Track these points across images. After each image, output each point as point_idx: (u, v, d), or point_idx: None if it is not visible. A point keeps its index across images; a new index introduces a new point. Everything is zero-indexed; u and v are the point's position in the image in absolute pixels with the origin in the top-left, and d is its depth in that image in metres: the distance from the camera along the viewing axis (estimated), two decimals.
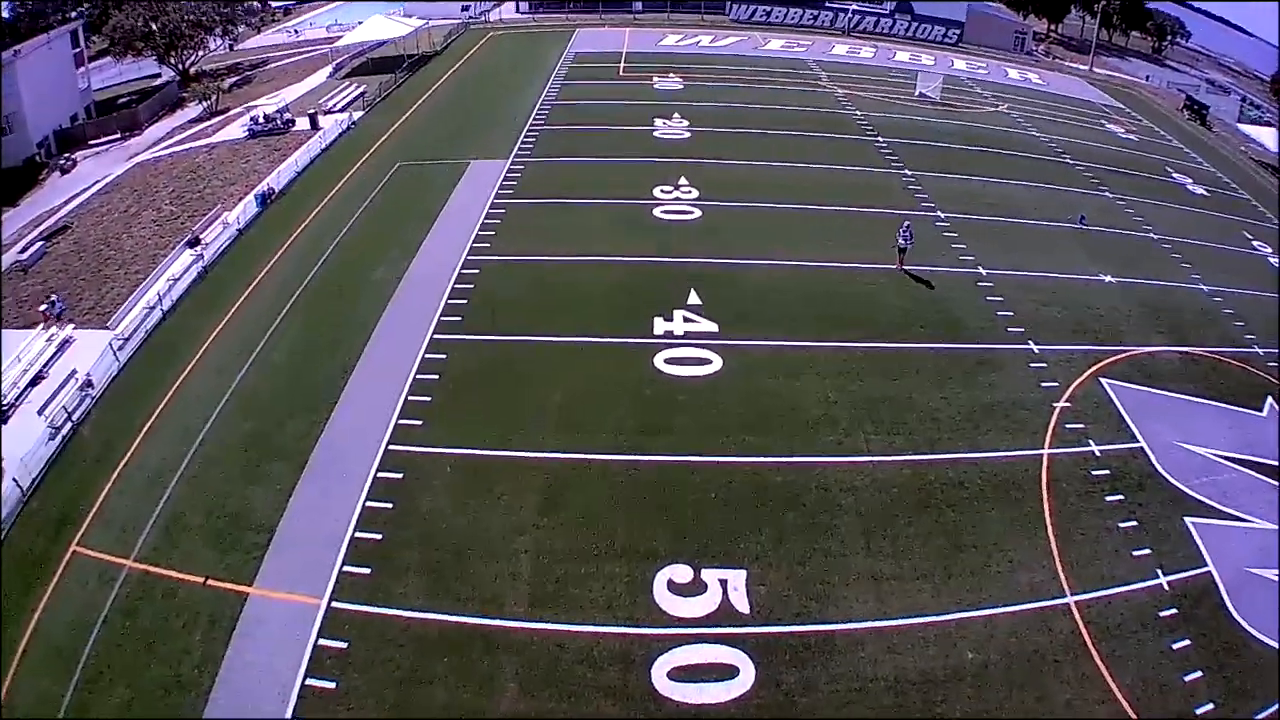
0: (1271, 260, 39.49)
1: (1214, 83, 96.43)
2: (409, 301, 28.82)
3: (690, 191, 36.96)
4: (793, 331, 27.54)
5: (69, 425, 23.72)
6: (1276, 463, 24.65)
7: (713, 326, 27.22)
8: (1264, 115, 77.00)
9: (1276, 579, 20.62)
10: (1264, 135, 64.48)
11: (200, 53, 67.90)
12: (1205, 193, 47.88)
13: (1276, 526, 22.20)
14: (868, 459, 22.49)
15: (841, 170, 41.81)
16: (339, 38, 69.86)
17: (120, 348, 26.99)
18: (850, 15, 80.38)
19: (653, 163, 40.47)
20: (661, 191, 36.82)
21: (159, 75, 68.43)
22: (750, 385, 24.91)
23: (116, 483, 21.76)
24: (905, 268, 31.22)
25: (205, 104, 56.33)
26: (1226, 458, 24.44)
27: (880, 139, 46.56)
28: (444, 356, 25.81)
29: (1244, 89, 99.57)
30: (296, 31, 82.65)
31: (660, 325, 27.15)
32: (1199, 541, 21.22)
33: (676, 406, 23.95)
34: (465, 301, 28.57)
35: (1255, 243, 41.33)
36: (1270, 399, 27.80)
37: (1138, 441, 24.38)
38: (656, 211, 35.12)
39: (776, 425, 23.45)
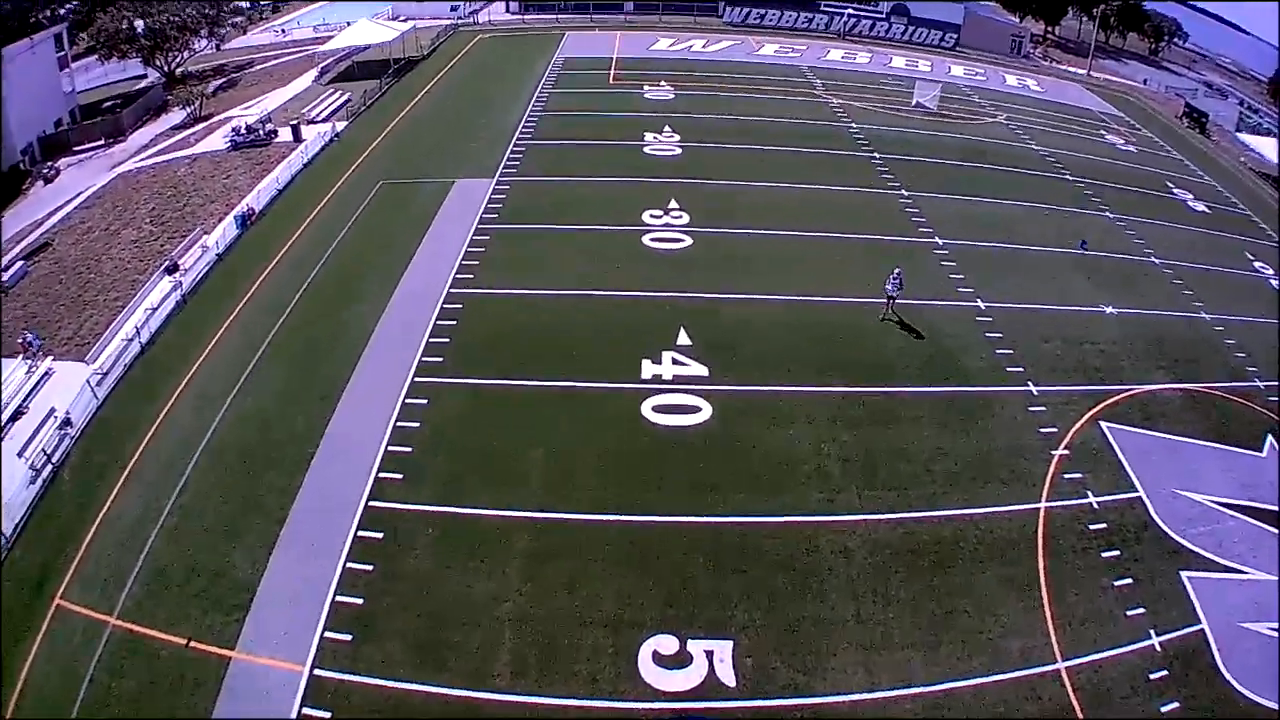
0: (1273, 282, 39.34)
1: (1211, 86, 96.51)
2: (390, 339, 28.30)
3: (680, 216, 36.52)
4: (785, 375, 27.15)
5: (49, 468, 23.45)
6: (1275, 508, 24.52)
7: (703, 370, 26.79)
8: (1263, 123, 77.01)
9: (1268, 632, 20.57)
10: (1264, 145, 64.40)
11: (186, 54, 67.44)
12: (1206, 209, 47.73)
13: (1272, 577, 22.08)
14: (860, 517, 22.14)
15: (837, 191, 41.39)
16: (326, 39, 69.35)
17: (98, 383, 26.66)
18: (846, 19, 79.96)
19: (642, 183, 40.01)
20: (651, 216, 36.34)
21: (144, 76, 68.09)
22: (741, 436, 24.49)
23: (97, 533, 21.47)
24: (895, 315, 30.51)
25: (189, 110, 55.80)
26: (1225, 504, 24.33)
27: (877, 155, 46.18)
28: (425, 401, 25.34)
29: (1242, 92, 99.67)
30: (284, 31, 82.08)
31: (649, 369, 26.71)
32: (1193, 597, 21.10)
33: (665, 460, 23.53)
34: (448, 340, 28.05)
35: (1257, 264, 41.20)
36: (1270, 437, 27.65)
37: (1136, 491, 24.20)
38: (646, 239, 34.63)
39: (767, 481, 23.08)
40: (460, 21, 78.28)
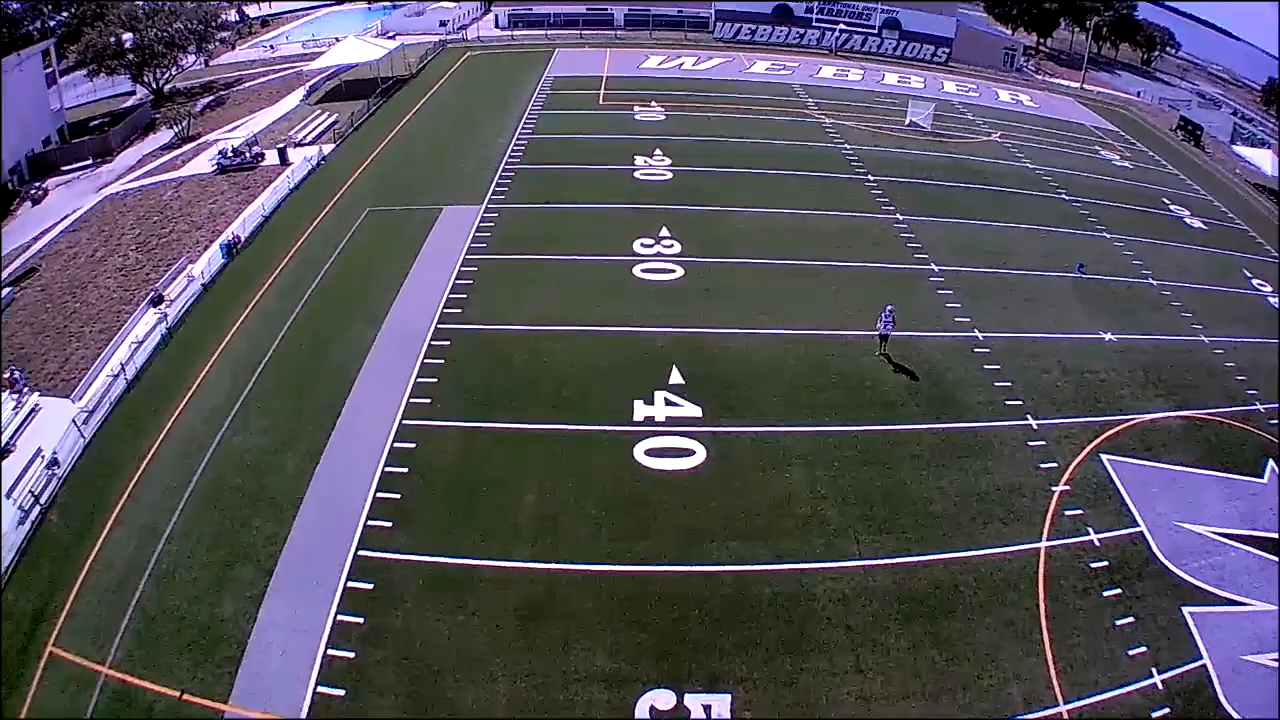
0: (1271, 300, 39.53)
1: (1205, 96, 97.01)
2: (377, 378, 28.13)
3: (672, 245, 36.43)
4: (780, 414, 27.02)
5: (37, 509, 23.41)
6: (1276, 536, 24.67)
7: (696, 410, 26.64)
8: (1258, 133, 77.52)
9: (1269, 663, 20.65)
10: (1260, 157, 64.75)
11: (174, 70, 67.66)
12: (1203, 225, 47.93)
13: (1272, 607, 22.19)
14: (858, 563, 22.00)
15: (831, 217, 41.34)
16: (315, 55, 69.43)
17: (85, 421, 26.55)
18: (838, 34, 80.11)
19: (633, 209, 39.98)
20: (642, 245, 36.25)
21: (133, 92, 68.20)
22: (735, 480, 24.35)
23: (87, 578, 21.39)
24: (888, 353, 30.23)
25: (176, 129, 55.83)
26: (1227, 535, 24.42)
27: (871, 178, 46.21)
28: (413, 445, 25.16)
29: (1235, 100, 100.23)
30: (272, 47, 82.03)
31: (641, 409, 26.54)
32: (1195, 633, 21.16)
33: (658, 507, 23.36)
34: (435, 380, 27.89)
35: (1255, 281, 41.39)
36: (1271, 463, 27.74)
37: (1138, 525, 24.23)
38: (637, 270, 34.52)
39: (763, 527, 22.92)
40: (449, 36, 78.22)
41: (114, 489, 23.98)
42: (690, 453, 25.07)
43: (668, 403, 26.90)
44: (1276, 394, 31.16)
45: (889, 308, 29.86)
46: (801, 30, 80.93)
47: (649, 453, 25.00)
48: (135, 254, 37.98)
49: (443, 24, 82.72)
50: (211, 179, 45.48)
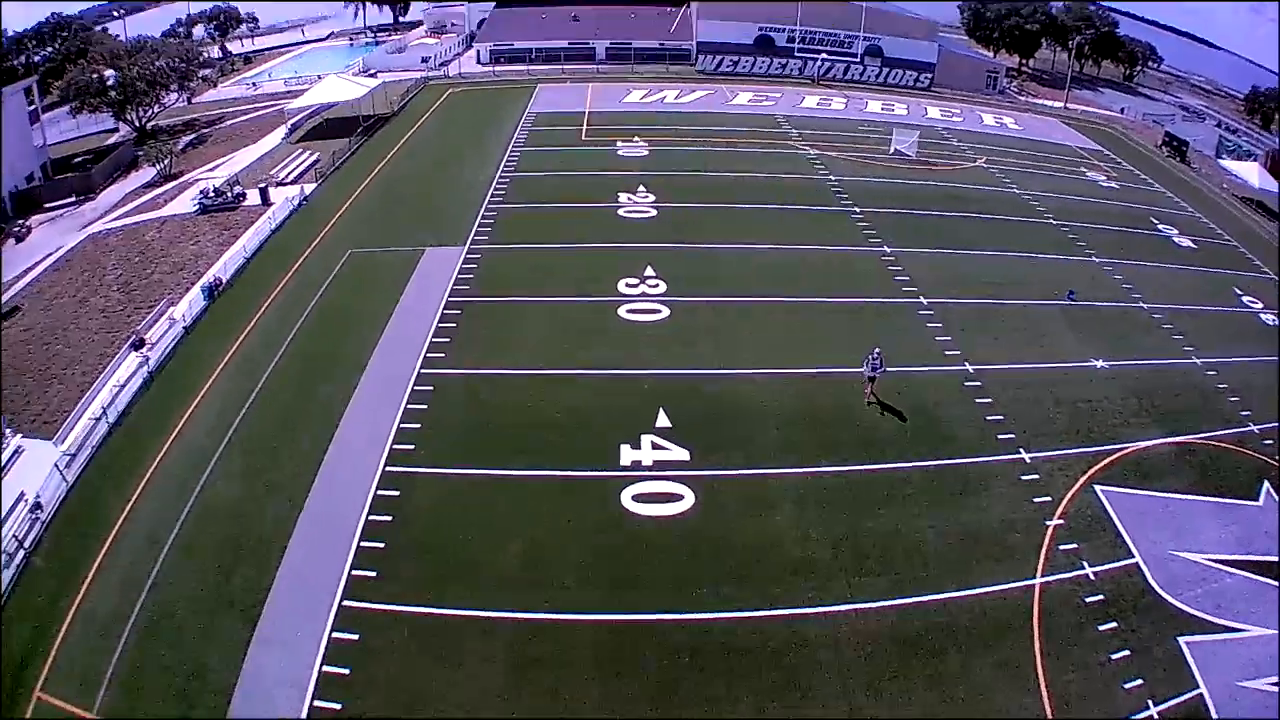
0: (1263, 317, 39.80)
1: (1188, 109, 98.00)
2: (360, 425, 27.90)
3: (657, 284, 36.37)
4: (769, 456, 26.83)
5: (21, 553, 23.27)
6: (1273, 559, 24.71)
7: (684, 454, 26.43)
8: (1243, 145, 78.20)
9: (1268, 688, 20.68)
10: (1246, 170, 65.20)
11: (156, 108, 68.12)
12: (1191, 244, 48.31)
13: (1270, 631, 22.22)
14: (850, 607, 21.76)
15: (817, 250, 41.50)
16: (297, 92, 69.83)
17: (67, 465, 26.46)
18: (820, 63, 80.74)
19: (617, 248, 40.01)
20: (627, 285, 36.20)
21: (116, 129, 68.57)
22: (725, 525, 24.11)
23: (73, 624, 21.21)
24: (876, 397, 29.80)
25: (158, 167, 56.06)
26: (1223, 562, 24.46)
27: (857, 209, 46.42)
28: (397, 493, 24.92)
29: (1219, 111, 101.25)
30: (255, 85, 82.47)
31: (627, 454, 26.33)
32: (1191, 662, 21.10)
33: (646, 553, 23.13)
34: (419, 426, 27.69)
35: (1245, 298, 41.62)
36: (1266, 485, 27.84)
37: (1133, 556, 24.16)
38: (622, 311, 34.43)
39: (754, 572, 22.68)
40: (431, 75, 78.66)
41: (97, 534, 23.79)
42: (678, 497, 24.84)
43: (655, 446, 26.71)
44: (1270, 413, 31.25)
45: (876, 350, 29.53)
46: (784, 61, 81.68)
47: (636, 498, 24.76)
48: (117, 295, 38.10)
49: (424, 60, 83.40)
50: (193, 219, 45.62)
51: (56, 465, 26.29)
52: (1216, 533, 25.52)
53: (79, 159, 60.28)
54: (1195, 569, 24.02)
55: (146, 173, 57.12)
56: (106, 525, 24.11)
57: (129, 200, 52.64)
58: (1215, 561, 24.42)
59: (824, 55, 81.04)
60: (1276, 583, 24.11)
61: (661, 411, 28.12)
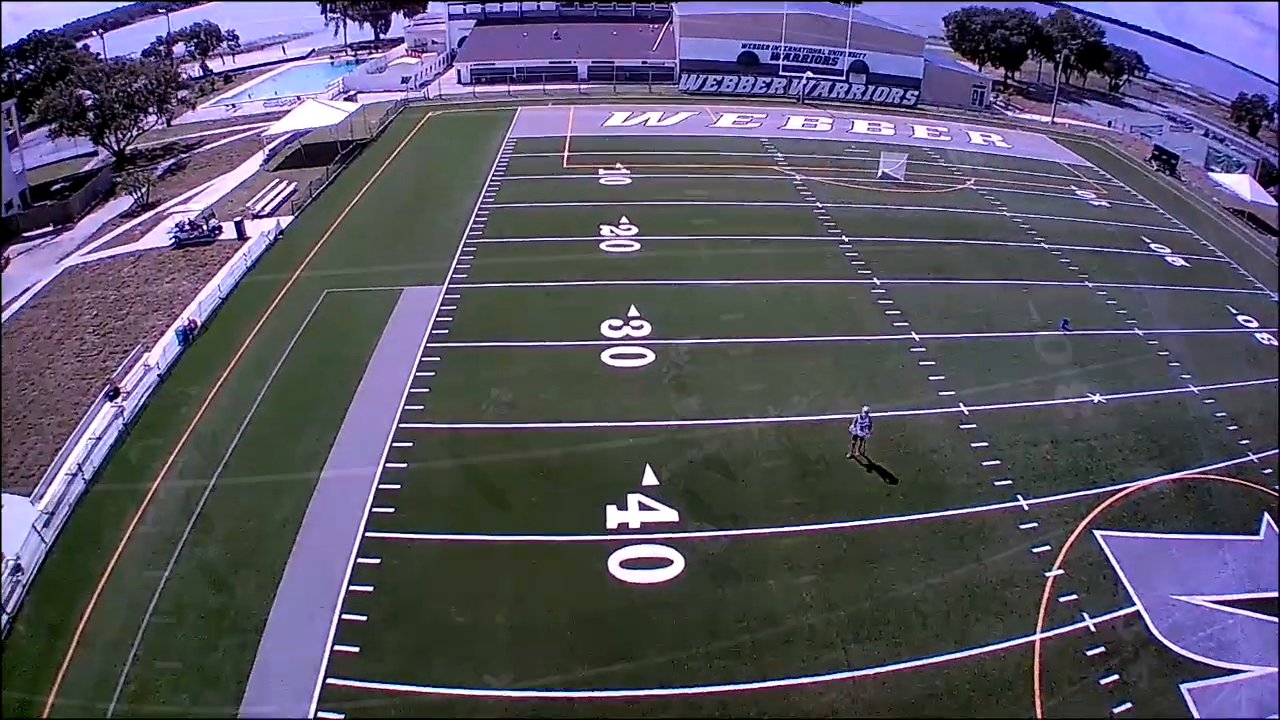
0: (1259, 337, 39.87)
1: (1176, 119, 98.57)
2: (338, 487, 27.22)
3: (641, 326, 35.94)
4: (760, 514, 26.31)
5: (4, 618, 22.82)
6: (1275, 594, 24.60)
7: (672, 515, 25.87)
8: (1233, 155, 78.63)
9: None
10: (1237, 183, 65.49)
11: (135, 131, 68.01)
12: (1185, 263, 48.41)
13: (1271, 669, 22.14)
14: (847, 675, 21.29)
15: (805, 285, 41.14)
16: (277, 114, 69.62)
17: (45, 525, 26.03)
18: (805, 81, 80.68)
19: (601, 287, 39.55)
20: (610, 328, 35.74)
21: (95, 153, 68.29)
22: (716, 591, 23.58)
23: (59, 694, 20.71)
24: (865, 458, 29.02)
25: (136, 196, 55.93)
26: (1225, 602, 24.36)
27: (845, 238, 46.24)
28: (378, 561, 24.33)
29: (1207, 120, 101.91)
30: (234, 106, 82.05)
31: (614, 516, 25.76)
32: (1194, 710, 20.97)
33: (636, 624, 22.61)
34: (398, 487, 27.08)
35: (1240, 317, 41.66)
36: (1267, 518, 27.78)
37: (1134, 604, 23.91)
38: (605, 357, 33.93)
39: (747, 642, 22.16)
40: (411, 96, 78.31)
41: (78, 602, 23.24)
42: (667, 562, 24.29)
43: (642, 507, 26.17)
44: (1268, 440, 31.29)
45: (864, 409, 28.84)
46: (768, 79, 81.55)
47: (624, 564, 24.21)
48: (92, 337, 37.74)
49: (405, 81, 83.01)
50: (169, 254, 45.25)
51: (34, 525, 25.85)
52: (1218, 573, 25.38)
53: (57, 186, 59.98)
54: (1197, 613, 23.87)
55: (124, 201, 56.87)
56: (87, 592, 23.56)
57: (106, 231, 52.42)
58: (1217, 603, 24.25)
59: (809, 74, 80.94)
60: (1277, 619, 23.97)
61: (648, 468, 27.64)
